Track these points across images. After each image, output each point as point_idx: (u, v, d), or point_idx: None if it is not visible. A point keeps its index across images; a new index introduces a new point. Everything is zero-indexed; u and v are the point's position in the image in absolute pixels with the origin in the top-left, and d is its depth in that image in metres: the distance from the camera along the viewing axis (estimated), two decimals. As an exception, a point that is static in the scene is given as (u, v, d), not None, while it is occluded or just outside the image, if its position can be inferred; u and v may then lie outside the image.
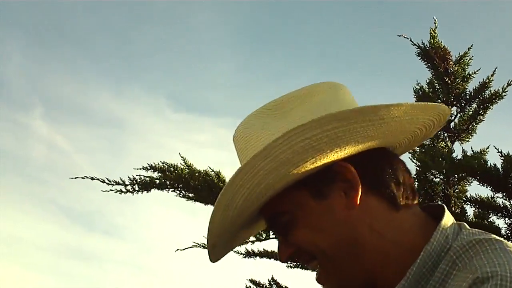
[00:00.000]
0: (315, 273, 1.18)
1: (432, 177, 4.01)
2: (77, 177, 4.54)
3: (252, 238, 4.96)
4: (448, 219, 1.11)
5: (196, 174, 4.75)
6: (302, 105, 1.18)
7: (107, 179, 4.60)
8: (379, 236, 1.11)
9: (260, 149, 1.06)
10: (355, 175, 1.11)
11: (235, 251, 4.94)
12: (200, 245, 4.91)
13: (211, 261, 1.25)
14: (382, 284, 1.12)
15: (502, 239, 1.06)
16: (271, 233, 4.81)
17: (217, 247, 1.22)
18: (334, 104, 1.15)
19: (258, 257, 4.86)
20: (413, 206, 1.16)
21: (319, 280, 1.16)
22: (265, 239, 4.84)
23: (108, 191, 4.60)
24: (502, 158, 3.18)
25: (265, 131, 1.16)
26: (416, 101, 4.50)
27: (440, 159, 3.71)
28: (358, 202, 1.11)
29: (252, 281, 5.09)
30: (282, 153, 1.05)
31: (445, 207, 1.16)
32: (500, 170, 3.20)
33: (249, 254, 4.90)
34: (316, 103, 1.17)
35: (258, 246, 4.85)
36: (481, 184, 3.33)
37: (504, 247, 1.02)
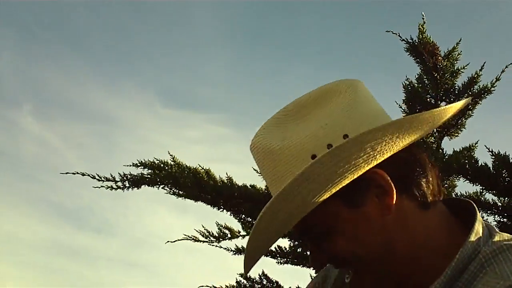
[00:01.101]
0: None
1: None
2: (68, 173, 4.54)
3: (243, 233, 4.97)
4: (479, 221, 1.09)
5: (186, 172, 4.75)
6: (321, 109, 1.14)
7: (98, 175, 4.61)
8: (412, 239, 1.09)
9: (298, 173, 1.03)
10: (388, 180, 1.08)
11: (225, 248, 4.94)
12: (190, 237, 4.91)
13: (246, 269, 1.19)
14: (411, 284, 1.12)
15: None
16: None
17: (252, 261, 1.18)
18: (355, 106, 1.11)
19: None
20: (439, 202, 1.14)
21: (352, 284, 1.17)
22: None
23: (99, 187, 4.61)
24: (493, 157, 3.18)
25: (286, 141, 1.12)
26: (405, 96, 4.50)
27: (430, 155, 3.71)
28: (392, 207, 1.08)
29: (242, 275, 5.10)
30: (320, 175, 1.03)
31: (474, 205, 1.13)
32: (491, 169, 3.21)
33: (239, 250, 4.91)
34: (336, 106, 1.12)
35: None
36: (471, 182, 3.34)
37: None
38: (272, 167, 1.14)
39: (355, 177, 1.06)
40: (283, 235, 1.16)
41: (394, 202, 1.07)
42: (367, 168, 1.06)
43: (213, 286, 5.16)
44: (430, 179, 1.12)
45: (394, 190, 1.07)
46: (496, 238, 1.07)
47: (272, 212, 1.06)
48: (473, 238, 1.06)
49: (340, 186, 1.05)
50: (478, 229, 1.07)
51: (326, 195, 1.05)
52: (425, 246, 1.09)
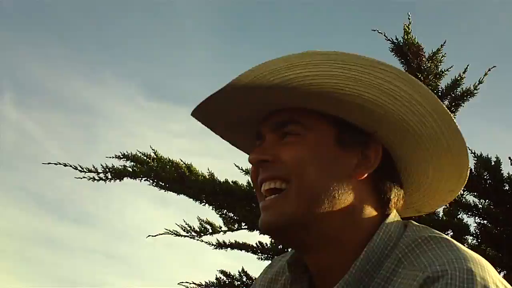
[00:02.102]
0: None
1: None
2: (49, 163, 4.50)
3: (224, 228, 4.97)
4: (393, 218, 1.13)
5: (168, 166, 4.74)
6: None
7: (80, 166, 4.58)
8: (350, 221, 1.11)
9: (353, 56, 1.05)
10: (377, 160, 1.14)
11: (206, 242, 4.94)
12: (172, 232, 4.90)
13: (195, 110, 1.19)
14: (320, 270, 1.14)
15: (448, 237, 1.09)
16: (242, 224, 4.82)
17: (216, 100, 1.15)
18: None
19: (229, 248, 4.87)
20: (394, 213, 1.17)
21: (269, 205, 1.11)
22: (237, 229, 4.86)
23: (81, 178, 4.58)
24: (475, 158, 3.21)
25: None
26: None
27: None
28: (360, 179, 1.12)
29: (222, 272, 5.10)
30: (364, 74, 1.06)
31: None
32: (472, 170, 3.24)
33: (220, 245, 4.91)
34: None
35: (230, 238, 4.86)
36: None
37: (451, 244, 1.05)
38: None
39: (371, 117, 1.10)
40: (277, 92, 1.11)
41: (363, 177, 1.12)
42: (382, 127, 1.12)
43: (193, 283, 5.17)
44: (401, 197, 1.19)
45: (372, 171, 1.13)
46: (411, 231, 1.11)
47: (289, 66, 1.05)
48: (382, 232, 1.09)
49: (360, 102, 1.08)
50: (389, 224, 1.11)
51: (347, 97, 1.07)
52: (354, 237, 1.11)
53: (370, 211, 1.13)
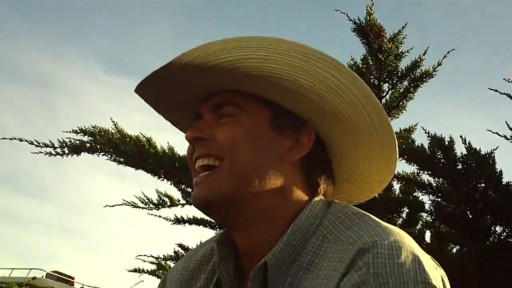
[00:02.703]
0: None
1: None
2: (4, 138, 4.44)
3: (182, 202, 4.96)
4: (319, 199, 1.17)
5: (127, 139, 4.70)
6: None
7: (36, 141, 4.52)
8: (282, 199, 1.14)
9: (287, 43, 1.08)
10: (309, 145, 1.17)
11: (165, 218, 4.94)
12: (129, 203, 4.89)
13: (138, 87, 1.19)
14: (250, 245, 1.16)
15: (367, 213, 1.14)
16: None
17: (157, 79, 1.16)
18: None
19: (187, 224, 4.88)
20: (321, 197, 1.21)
21: (202, 181, 1.13)
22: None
23: (38, 153, 4.53)
24: (429, 138, 3.27)
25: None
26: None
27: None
28: (292, 162, 1.16)
29: (180, 245, 5.12)
30: (298, 60, 1.08)
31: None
32: (427, 149, 3.30)
33: (178, 221, 4.91)
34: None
35: (188, 213, 4.87)
36: (408, 162, 3.43)
37: (373, 219, 1.10)
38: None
39: (304, 104, 1.14)
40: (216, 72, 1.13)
41: (294, 161, 1.16)
42: (314, 114, 1.15)
43: (151, 256, 5.17)
44: (329, 185, 1.23)
45: (303, 155, 1.16)
46: (334, 209, 1.15)
47: (226, 48, 1.08)
48: (308, 211, 1.13)
49: (293, 89, 1.11)
50: (314, 204, 1.15)
51: (285, 82, 1.10)
52: (282, 216, 1.14)
53: (299, 193, 1.16)
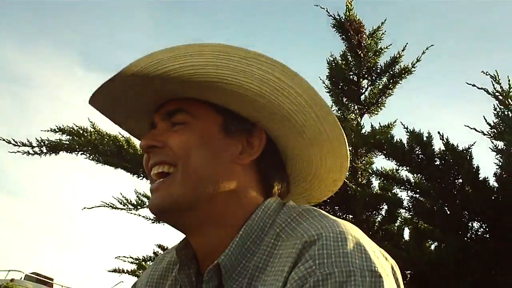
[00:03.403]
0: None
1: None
2: (-19, 136, 4.37)
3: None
4: (273, 200, 1.19)
5: (106, 139, 4.66)
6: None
7: (14, 140, 4.47)
8: (236, 202, 1.16)
9: (226, 50, 1.09)
10: (260, 148, 1.20)
11: (144, 217, 4.90)
12: (108, 204, 4.85)
13: (90, 100, 1.20)
14: (205, 249, 1.17)
15: (318, 209, 1.15)
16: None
17: (107, 89, 1.17)
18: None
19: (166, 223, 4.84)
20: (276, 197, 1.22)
21: (157, 188, 1.14)
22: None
23: (15, 152, 4.47)
24: (408, 133, 3.27)
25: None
26: (328, 72, 4.55)
27: (350, 131, 3.78)
28: (244, 165, 1.17)
29: (160, 246, 5.09)
30: (246, 65, 1.10)
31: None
32: (405, 145, 3.29)
33: (157, 220, 4.88)
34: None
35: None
36: (387, 158, 3.42)
37: (322, 214, 1.12)
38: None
39: (252, 106, 1.15)
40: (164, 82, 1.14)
41: (247, 163, 1.18)
42: (262, 115, 1.17)
43: (130, 257, 5.13)
44: (284, 183, 1.25)
45: (255, 158, 1.19)
46: (286, 209, 1.18)
47: (175, 56, 1.09)
48: (260, 211, 1.16)
49: (244, 94, 1.13)
50: (268, 204, 1.17)
51: (228, 87, 1.12)
52: (237, 219, 1.15)
53: (253, 195, 1.18)
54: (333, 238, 1.02)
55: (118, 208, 4.81)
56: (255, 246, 1.13)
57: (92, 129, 4.70)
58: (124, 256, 5.15)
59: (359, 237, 1.05)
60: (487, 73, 3.15)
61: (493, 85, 3.17)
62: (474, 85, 3.16)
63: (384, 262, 1.05)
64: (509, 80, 3.19)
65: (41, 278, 14.04)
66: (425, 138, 3.27)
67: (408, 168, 3.40)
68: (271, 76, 1.12)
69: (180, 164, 1.13)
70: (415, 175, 3.48)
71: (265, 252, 1.12)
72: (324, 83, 4.58)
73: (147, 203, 4.83)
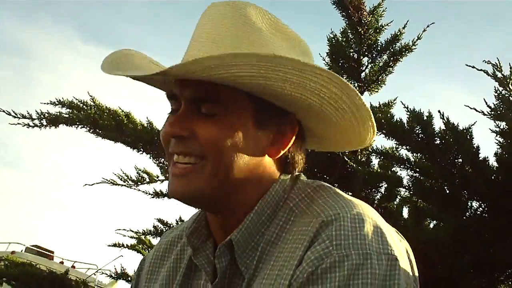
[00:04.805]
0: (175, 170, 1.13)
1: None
2: (-19, 107, 4.38)
3: (161, 177, 4.95)
4: (287, 176, 1.19)
5: (105, 113, 4.66)
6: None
7: (14, 112, 4.46)
8: (261, 185, 1.16)
9: (269, 53, 1.07)
10: (293, 137, 1.18)
11: (144, 191, 4.92)
12: (108, 181, 4.86)
13: (105, 62, 1.17)
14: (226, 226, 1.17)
15: (332, 186, 1.18)
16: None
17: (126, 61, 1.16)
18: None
19: (166, 198, 4.87)
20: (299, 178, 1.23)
21: (182, 174, 1.12)
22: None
23: (15, 124, 4.47)
24: (408, 113, 3.27)
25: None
26: (329, 50, 4.53)
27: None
28: (273, 157, 1.17)
29: (160, 220, 5.12)
30: (278, 71, 1.05)
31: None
32: (405, 124, 3.30)
33: (157, 194, 4.91)
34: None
35: (167, 188, 4.86)
36: (386, 137, 3.43)
37: (337, 192, 1.14)
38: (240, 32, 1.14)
39: (288, 100, 1.12)
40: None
41: (278, 156, 1.17)
42: (298, 107, 1.14)
43: (130, 230, 5.16)
44: (304, 159, 1.24)
45: (286, 150, 1.17)
46: (300, 184, 1.18)
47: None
48: (277, 186, 1.16)
49: (277, 89, 1.08)
50: (283, 180, 1.18)
51: (265, 88, 1.08)
52: (259, 198, 1.15)
53: (274, 175, 1.18)
54: (351, 219, 1.04)
55: (118, 184, 4.83)
56: (269, 221, 1.13)
57: (91, 103, 4.69)
58: (124, 229, 5.18)
59: (376, 219, 1.07)
60: (489, 62, 3.12)
61: (494, 71, 3.15)
62: (473, 67, 3.15)
63: (399, 244, 1.07)
64: (509, 64, 3.17)
65: (42, 251, 14.12)
66: (425, 117, 3.27)
67: (407, 147, 3.41)
68: (322, 87, 1.09)
69: (209, 159, 1.10)
70: (414, 154, 3.49)
71: (278, 226, 1.13)
72: (324, 60, 4.57)
73: (147, 179, 4.85)
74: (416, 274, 1.12)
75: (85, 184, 4.86)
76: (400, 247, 1.07)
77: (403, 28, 4.34)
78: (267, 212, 1.14)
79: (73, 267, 13.28)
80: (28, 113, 4.51)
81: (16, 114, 4.46)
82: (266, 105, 1.14)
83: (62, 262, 13.90)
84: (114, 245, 5.27)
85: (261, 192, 1.16)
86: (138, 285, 1.36)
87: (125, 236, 5.20)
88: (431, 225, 3.74)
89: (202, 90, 1.11)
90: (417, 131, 3.29)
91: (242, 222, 1.12)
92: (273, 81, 1.06)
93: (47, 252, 14.42)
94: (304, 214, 1.10)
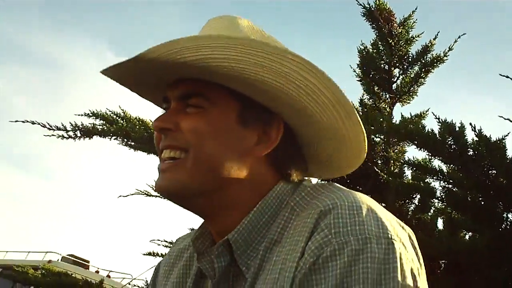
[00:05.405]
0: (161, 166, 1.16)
1: (373, 136, 4.08)
2: (17, 121, 4.45)
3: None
4: (287, 181, 1.20)
5: (137, 125, 4.71)
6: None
7: (48, 124, 4.53)
8: (251, 188, 1.16)
9: (255, 40, 1.09)
10: (278, 138, 1.18)
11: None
12: (142, 192, 4.91)
13: (103, 71, 1.18)
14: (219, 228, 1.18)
15: (334, 183, 1.18)
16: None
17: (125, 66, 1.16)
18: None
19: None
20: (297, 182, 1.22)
21: (166, 169, 1.15)
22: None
23: (50, 136, 4.54)
24: (439, 124, 3.26)
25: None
26: (359, 61, 4.54)
27: (381, 120, 3.78)
28: (259, 156, 1.17)
29: (192, 229, 5.12)
30: (268, 60, 1.08)
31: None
32: (437, 135, 3.29)
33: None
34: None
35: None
36: (418, 148, 3.42)
37: (337, 186, 1.14)
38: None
39: (274, 100, 1.14)
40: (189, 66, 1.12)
41: (262, 155, 1.17)
42: (282, 106, 1.15)
43: (164, 240, 5.21)
44: (301, 168, 1.23)
45: (271, 149, 1.17)
46: (303, 185, 1.18)
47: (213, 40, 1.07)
48: (279, 188, 1.17)
49: (261, 87, 1.11)
50: (285, 183, 1.18)
51: (248, 79, 1.10)
52: (253, 202, 1.16)
53: (269, 181, 1.19)
54: (349, 207, 1.04)
55: (152, 195, 4.88)
56: (271, 221, 1.14)
57: (123, 115, 4.75)
58: (158, 240, 5.22)
59: (374, 207, 1.07)
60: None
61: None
62: (507, 77, 3.13)
63: (400, 231, 1.07)
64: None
65: (78, 260, 14.25)
66: (457, 128, 3.26)
67: (440, 158, 3.39)
68: (297, 74, 1.10)
69: (192, 151, 1.12)
70: (447, 165, 3.47)
71: (280, 225, 1.13)
72: (355, 71, 4.58)
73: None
74: (421, 262, 1.10)
75: (120, 196, 4.92)
76: (401, 233, 1.06)
77: (434, 39, 4.34)
78: (268, 213, 1.14)
79: (108, 276, 13.37)
80: (62, 125, 4.58)
81: (51, 126, 4.53)
82: (251, 104, 1.16)
83: (97, 271, 14.00)
84: (149, 254, 5.32)
85: (255, 194, 1.16)
86: None
87: (159, 245, 5.24)
88: (467, 237, 3.71)
89: (189, 87, 1.16)
90: (449, 142, 3.28)
91: (240, 223, 1.13)
92: (245, 64, 1.08)
93: (82, 262, 14.55)
94: (305, 210, 1.11)
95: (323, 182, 1.20)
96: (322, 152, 1.28)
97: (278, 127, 1.19)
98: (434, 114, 3.36)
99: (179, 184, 1.13)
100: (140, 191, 4.88)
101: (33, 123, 4.45)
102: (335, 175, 1.39)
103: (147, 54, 1.09)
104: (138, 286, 6.03)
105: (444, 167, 3.51)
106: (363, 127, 1.20)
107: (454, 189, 3.49)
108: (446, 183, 3.48)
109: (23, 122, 4.45)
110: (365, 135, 1.22)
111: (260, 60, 1.08)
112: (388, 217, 1.07)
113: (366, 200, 1.08)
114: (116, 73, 1.20)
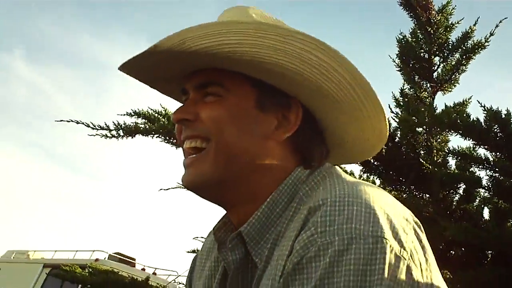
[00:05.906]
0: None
1: (415, 126, 4.02)
2: (62, 120, 4.53)
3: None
4: (302, 167, 1.18)
5: (178, 124, 4.74)
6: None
7: (92, 123, 4.60)
8: (273, 176, 1.16)
9: (270, 24, 1.10)
10: (297, 122, 1.18)
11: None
12: (184, 186, 4.93)
13: (121, 67, 1.20)
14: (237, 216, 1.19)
15: (340, 170, 1.18)
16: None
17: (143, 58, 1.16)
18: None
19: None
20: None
21: (190, 164, 1.17)
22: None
23: (94, 135, 4.61)
24: (485, 112, 3.20)
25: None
26: (399, 51, 4.48)
27: (423, 110, 3.72)
28: (279, 140, 1.17)
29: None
30: (284, 43, 1.08)
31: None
32: (482, 124, 3.22)
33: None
34: None
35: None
36: (463, 137, 3.36)
37: (341, 175, 1.14)
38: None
39: (290, 83, 1.14)
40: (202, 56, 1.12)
41: (283, 139, 1.17)
42: (301, 89, 1.15)
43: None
44: (322, 152, 1.22)
45: (292, 133, 1.17)
46: (314, 176, 1.17)
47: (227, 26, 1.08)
48: (294, 177, 1.15)
49: (277, 70, 1.10)
50: (300, 171, 1.16)
51: (263, 65, 1.10)
52: (269, 194, 1.15)
53: (289, 168, 1.18)
54: (338, 202, 1.01)
55: (191, 189, 4.89)
56: (283, 211, 1.14)
57: (165, 113, 4.79)
58: (202, 237, 5.26)
59: (370, 199, 1.02)
60: None
61: None
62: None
63: (400, 224, 1.02)
64: None
65: (124, 258, 14.45)
66: (503, 116, 3.19)
67: (486, 146, 3.33)
68: (309, 54, 1.10)
69: (213, 140, 1.13)
70: (493, 153, 3.40)
71: (288, 216, 1.13)
72: (394, 61, 4.53)
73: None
74: (428, 255, 1.06)
75: (160, 189, 4.96)
76: (400, 227, 1.01)
77: (474, 25, 4.25)
78: (281, 203, 1.14)
79: (154, 273, 13.52)
80: (105, 124, 4.65)
81: (95, 126, 4.60)
82: (268, 89, 1.16)
83: (143, 269, 14.19)
84: (193, 251, 5.36)
85: (274, 182, 1.16)
86: (192, 284, 1.39)
87: (202, 242, 5.28)
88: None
89: (205, 76, 1.17)
90: (495, 130, 3.21)
91: (253, 214, 1.13)
92: (258, 48, 1.08)
93: (129, 259, 14.75)
94: (307, 203, 1.09)
95: (330, 168, 1.18)
96: (344, 135, 1.27)
97: (297, 110, 1.19)
98: (479, 102, 3.29)
99: (203, 176, 1.14)
100: (181, 184, 4.90)
101: (77, 122, 4.53)
102: (358, 159, 1.39)
103: (160, 45, 1.10)
104: (183, 284, 6.08)
105: (490, 156, 3.44)
106: (383, 106, 1.19)
107: (501, 178, 3.42)
108: (492, 172, 3.41)
109: (67, 121, 4.53)
110: (386, 115, 1.21)
111: (272, 42, 1.08)
112: (386, 209, 1.03)
113: (364, 193, 1.03)
114: (133, 69, 1.21)
